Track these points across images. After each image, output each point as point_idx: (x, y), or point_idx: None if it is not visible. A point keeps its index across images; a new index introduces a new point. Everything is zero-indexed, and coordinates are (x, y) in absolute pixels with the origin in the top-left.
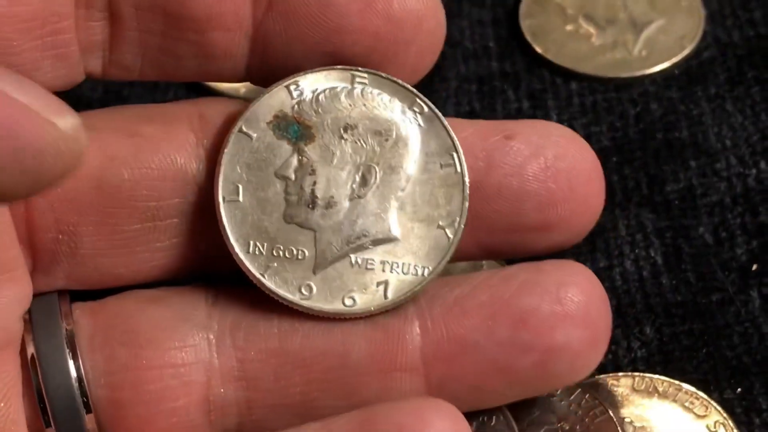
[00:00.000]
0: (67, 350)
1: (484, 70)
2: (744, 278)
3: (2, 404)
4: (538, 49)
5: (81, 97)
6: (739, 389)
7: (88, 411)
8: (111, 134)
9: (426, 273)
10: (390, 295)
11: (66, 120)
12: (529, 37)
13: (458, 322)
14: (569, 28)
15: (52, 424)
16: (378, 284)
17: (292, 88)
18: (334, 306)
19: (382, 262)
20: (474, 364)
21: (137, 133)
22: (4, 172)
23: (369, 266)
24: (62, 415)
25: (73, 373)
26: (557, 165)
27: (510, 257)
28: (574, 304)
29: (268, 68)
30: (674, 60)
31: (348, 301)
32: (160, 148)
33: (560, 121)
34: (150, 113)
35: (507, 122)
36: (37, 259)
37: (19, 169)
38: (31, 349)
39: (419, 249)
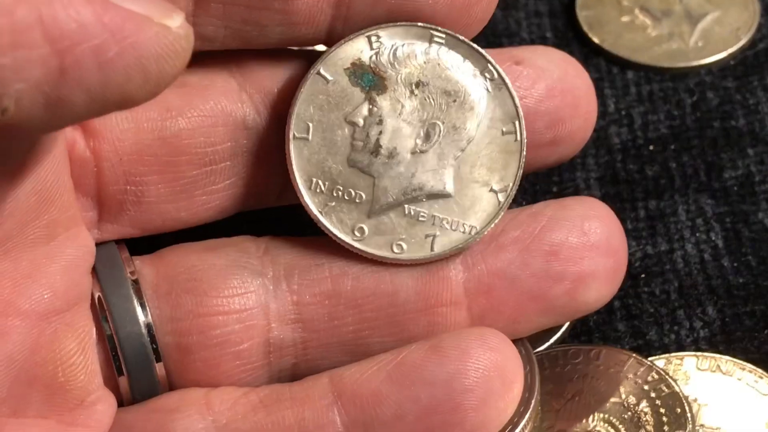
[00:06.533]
0: (135, 299)
1: None
2: None
3: (82, 357)
4: (595, 40)
5: None
6: None
7: (158, 359)
8: None
9: (473, 232)
10: (436, 248)
11: (175, 20)
12: (585, 28)
13: (496, 256)
14: (625, 19)
15: (125, 372)
16: (426, 236)
17: (372, 39)
18: (382, 251)
19: (433, 216)
20: (512, 295)
21: (184, 83)
22: (131, 82)
23: (421, 218)
24: (134, 362)
25: (142, 321)
26: (562, 86)
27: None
28: (597, 236)
29: (349, 32)
30: (730, 51)
31: (396, 249)
32: (208, 95)
33: (618, 110)
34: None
35: (512, 49)
36: (104, 210)
37: (143, 76)
38: (99, 300)
39: (470, 208)
